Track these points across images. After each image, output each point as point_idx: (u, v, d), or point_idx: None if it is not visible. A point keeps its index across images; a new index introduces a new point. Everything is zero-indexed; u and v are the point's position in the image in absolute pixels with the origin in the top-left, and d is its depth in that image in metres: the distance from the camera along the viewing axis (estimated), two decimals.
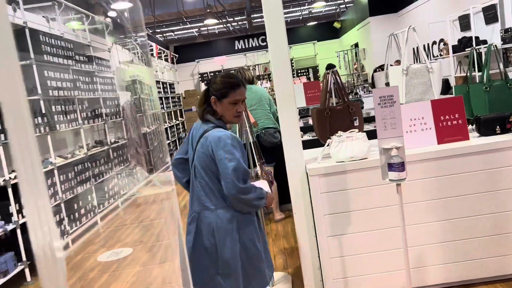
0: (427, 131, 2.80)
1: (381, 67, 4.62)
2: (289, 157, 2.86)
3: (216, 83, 2.12)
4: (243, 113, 2.35)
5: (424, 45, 8.97)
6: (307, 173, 2.78)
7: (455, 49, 6.67)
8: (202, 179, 2.09)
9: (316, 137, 3.21)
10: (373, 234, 2.73)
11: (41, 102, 4.59)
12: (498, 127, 2.84)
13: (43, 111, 4.61)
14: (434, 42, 8.50)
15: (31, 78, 4.49)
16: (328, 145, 2.83)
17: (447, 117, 2.79)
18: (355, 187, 2.70)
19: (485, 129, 2.87)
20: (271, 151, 4.40)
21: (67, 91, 5.14)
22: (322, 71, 12.98)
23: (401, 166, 2.08)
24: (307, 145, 3.60)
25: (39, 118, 4.54)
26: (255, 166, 2.97)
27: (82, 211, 5.04)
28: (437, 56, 8.11)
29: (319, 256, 2.83)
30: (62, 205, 4.67)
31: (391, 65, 3.39)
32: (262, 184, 2.47)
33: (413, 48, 9.10)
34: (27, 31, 4.49)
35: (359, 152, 2.70)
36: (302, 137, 4.68)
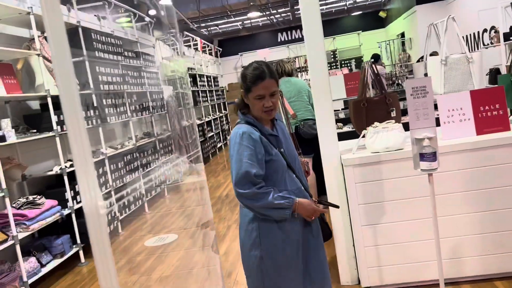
0: (466, 122, 2.76)
1: (422, 58, 4.54)
2: (325, 148, 2.92)
3: (243, 75, 1.92)
4: (280, 105, 2.33)
5: (474, 34, 8.61)
6: (342, 164, 2.83)
7: (507, 37, 6.37)
8: None
9: None
10: (407, 224, 2.74)
11: (93, 96, 4.90)
12: None
13: (95, 105, 4.92)
14: (485, 30, 8.13)
15: (84, 74, 4.80)
16: (363, 136, 2.86)
17: (487, 107, 2.74)
18: (390, 178, 2.72)
19: None
20: (309, 143, 4.45)
21: (117, 86, 5.45)
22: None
23: (432, 156, 2.09)
24: (347, 136, 3.62)
25: (91, 111, 4.85)
26: None
27: (131, 198, 5.34)
28: (488, 44, 7.77)
29: (353, 245, 2.88)
30: (112, 192, 4.98)
31: (430, 56, 3.34)
32: None
33: (463, 37, 8.77)
34: (80, 29, 4.80)
35: (395, 142, 2.71)
36: (342, 128, 4.70)
